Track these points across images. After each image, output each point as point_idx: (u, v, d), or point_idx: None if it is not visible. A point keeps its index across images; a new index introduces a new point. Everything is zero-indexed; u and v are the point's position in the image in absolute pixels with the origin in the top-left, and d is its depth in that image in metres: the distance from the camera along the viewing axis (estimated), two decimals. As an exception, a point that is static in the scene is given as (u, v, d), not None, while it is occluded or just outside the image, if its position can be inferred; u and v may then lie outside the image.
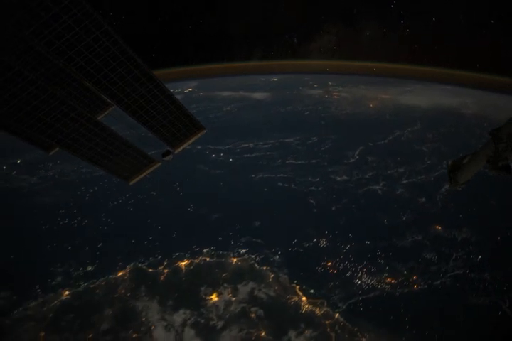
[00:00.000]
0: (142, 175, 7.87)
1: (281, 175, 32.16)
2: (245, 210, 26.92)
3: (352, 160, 34.44)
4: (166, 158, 7.73)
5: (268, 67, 79.17)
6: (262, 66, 79.65)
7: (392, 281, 21.84)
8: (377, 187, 30.08)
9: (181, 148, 7.72)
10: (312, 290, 21.09)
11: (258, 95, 56.61)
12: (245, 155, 36.02)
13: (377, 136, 39.60)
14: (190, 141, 7.80)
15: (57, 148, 7.30)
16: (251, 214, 26.41)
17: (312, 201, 28.42)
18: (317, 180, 31.22)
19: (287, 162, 34.31)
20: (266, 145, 37.78)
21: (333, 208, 27.56)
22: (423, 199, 28.40)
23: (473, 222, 25.77)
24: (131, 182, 7.84)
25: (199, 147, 37.71)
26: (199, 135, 7.78)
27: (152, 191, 28.70)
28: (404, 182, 30.80)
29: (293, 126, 42.88)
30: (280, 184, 30.86)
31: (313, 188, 29.99)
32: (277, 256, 23.39)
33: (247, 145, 38.01)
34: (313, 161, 34.23)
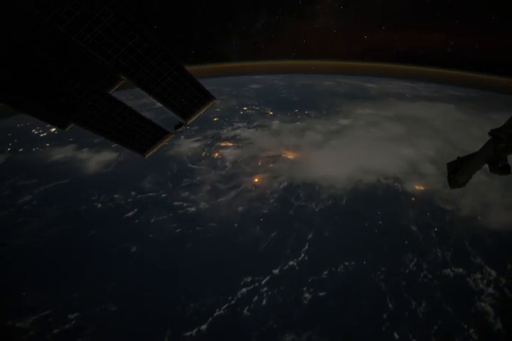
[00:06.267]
0: (157, 148, 7.87)
1: None
2: None
3: None
4: (179, 130, 7.77)
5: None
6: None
7: None
8: None
9: (193, 119, 7.80)
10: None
11: (101, 158, 36.58)
12: None
13: (200, 298, 19.41)
14: (202, 112, 7.83)
15: (73, 124, 7.23)
16: None
17: None
18: None
19: None
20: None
21: None
22: None
23: None
24: (147, 155, 7.79)
25: None
26: (210, 105, 7.80)
27: None
28: None
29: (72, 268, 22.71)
30: None
31: None
32: None
33: None
34: None
